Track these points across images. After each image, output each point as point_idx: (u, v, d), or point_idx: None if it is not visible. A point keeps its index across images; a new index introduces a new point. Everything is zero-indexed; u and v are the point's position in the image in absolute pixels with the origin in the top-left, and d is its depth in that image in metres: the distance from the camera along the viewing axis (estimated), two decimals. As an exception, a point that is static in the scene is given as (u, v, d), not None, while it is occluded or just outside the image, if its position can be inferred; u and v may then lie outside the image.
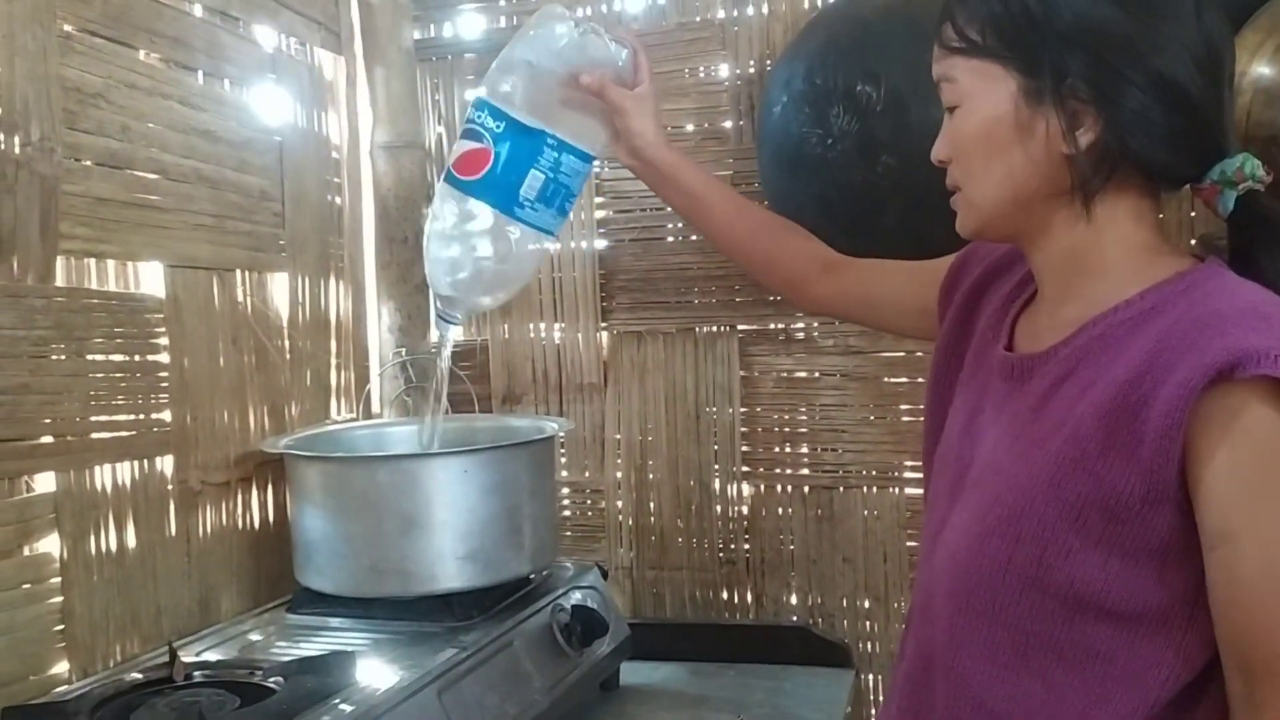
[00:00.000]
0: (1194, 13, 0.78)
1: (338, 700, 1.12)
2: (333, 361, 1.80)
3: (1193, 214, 1.56)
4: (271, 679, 1.17)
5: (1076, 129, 0.79)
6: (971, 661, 0.81)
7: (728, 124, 1.83)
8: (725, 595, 1.87)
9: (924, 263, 1.11)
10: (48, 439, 1.25)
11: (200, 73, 1.51)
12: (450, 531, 1.39)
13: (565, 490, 1.94)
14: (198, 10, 1.51)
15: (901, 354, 1.77)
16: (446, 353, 1.31)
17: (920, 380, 1.74)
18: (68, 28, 1.29)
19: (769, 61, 1.78)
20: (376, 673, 1.21)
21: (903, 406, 1.76)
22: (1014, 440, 0.83)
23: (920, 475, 1.06)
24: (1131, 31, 0.77)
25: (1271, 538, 0.68)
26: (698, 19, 1.83)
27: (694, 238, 1.85)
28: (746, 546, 1.86)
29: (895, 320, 1.18)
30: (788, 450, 1.83)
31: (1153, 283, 0.79)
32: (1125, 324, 0.78)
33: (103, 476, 1.33)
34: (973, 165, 0.85)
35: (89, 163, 1.32)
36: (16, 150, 1.21)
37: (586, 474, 1.94)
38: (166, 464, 1.43)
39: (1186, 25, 0.77)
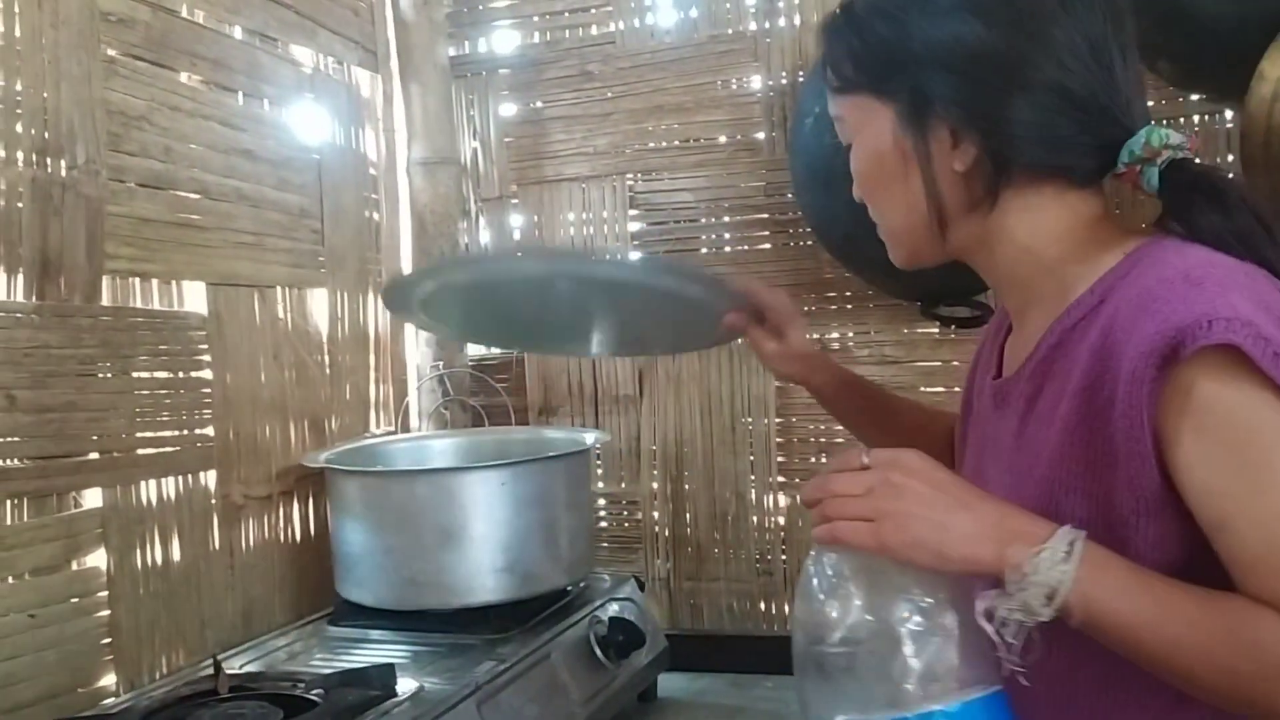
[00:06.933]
0: (1060, 9, 0.75)
1: (377, 713, 1.13)
2: (372, 375, 1.83)
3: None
4: (313, 691, 1.19)
5: (956, 147, 0.78)
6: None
7: (760, 135, 1.83)
8: (763, 606, 1.87)
9: None
10: (95, 455, 1.28)
11: (240, 93, 1.54)
12: (488, 544, 1.40)
13: (602, 501, 1.95)
14: (237, 32, 1.54)
15: (938, 364, 1.76)
16: None
17: (956, 390, 1.72)
18: (111, 52, 1.32)
19: (801, 73, 1.78)
20: (416, 685, 1.22)
21: (939, 416, 1.75)
22: (1004, 473, 0.81)
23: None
24: (997, 46, 0.75)
25: (1267, 515, 0.64)
26: (730, 31, 1.84)
27: (727, 249, 1.86)
28: (784, 557, 1.85)
29: None
30: (823, 460, 1.83)
31: (1102, 272, 0.76)
32: (1079, 325, 0.75)
33: (148, 492, 1.35)
34: (877, 197, 0.86)
35: (133, 184, 1.35)
36: (63, 173, 1.24)
37: (623, 485, 1.95)
38: (210, 479, 1.45)
39: (1057, 25, 0.75)
